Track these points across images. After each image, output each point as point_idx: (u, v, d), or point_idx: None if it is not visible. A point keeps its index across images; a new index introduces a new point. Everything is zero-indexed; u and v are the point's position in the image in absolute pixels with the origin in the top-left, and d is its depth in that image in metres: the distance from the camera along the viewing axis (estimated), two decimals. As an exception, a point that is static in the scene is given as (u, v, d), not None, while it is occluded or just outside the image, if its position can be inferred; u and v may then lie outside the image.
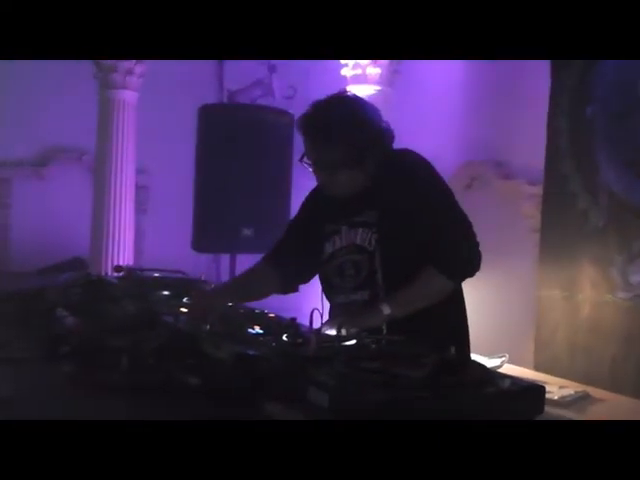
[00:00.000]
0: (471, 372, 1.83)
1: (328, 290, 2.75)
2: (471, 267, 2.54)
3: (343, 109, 2.55)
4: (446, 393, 1.67)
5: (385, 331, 2.42)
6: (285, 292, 2.88)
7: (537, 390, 1.78)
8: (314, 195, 2.84)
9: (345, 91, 2.74)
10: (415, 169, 2.58)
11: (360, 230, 2.60)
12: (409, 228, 2.50)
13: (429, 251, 2.49)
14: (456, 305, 2.70)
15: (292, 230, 2.90)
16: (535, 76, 5.89)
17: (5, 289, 3.46)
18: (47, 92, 6.91)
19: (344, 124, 2.50)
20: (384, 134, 2.60)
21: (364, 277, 2.60)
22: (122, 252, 6.43)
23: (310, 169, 2.61)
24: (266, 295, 2.85)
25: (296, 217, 2.91)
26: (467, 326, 2.72)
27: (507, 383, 1.77)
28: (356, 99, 2.65)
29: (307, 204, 2.87)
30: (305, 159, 2.60)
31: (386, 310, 2.44)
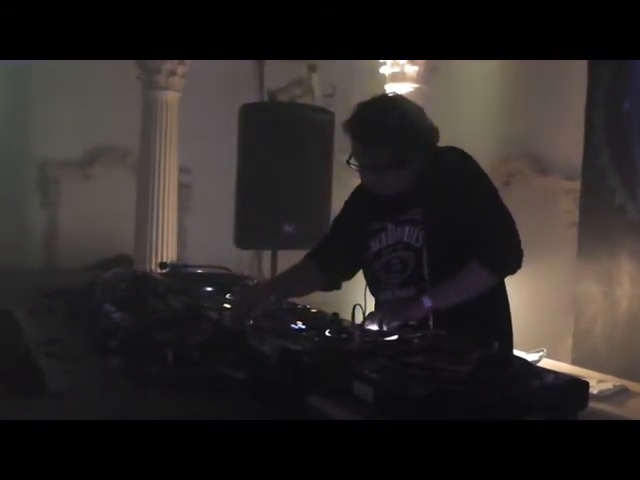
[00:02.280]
0: (515, 367, 1.84)
1: (374, 287, 2.77)
2: (513, 263, 2.57)
3: (389, 110, 2.56)
4: (491, 388, 1.68)
5: (432, 325, 2.43)
6: (328, 289, 2.92)
7: (581, 385, 1.80)
8: (358, 192, 2.86)
9: (389, 93, 2.77)
10: (460, 166, 2.61)
11: (407, 227, 2.63)
12: (455, 225, 2.52)
13: (473, 246, 2.51)
14: (500, 300, 2.72)
15: (336, 228, 2.93)
16: (572, 70, 5.85)
17: (54, 286, 3.52)
18: (92, 94, 7.01)
19: (391, 126, 2.51)
20: (429, 133, 2.61)
21: (410, 274, 2.62)
22: (166, 249, 6.52)
23: (357, 170, 2.63)
24: (310, 292, 2.88)
25: (340, 214, 2.94)
26: (511, 322, 2.73)
27: (551, 378, 1.79)
28: (400, 100, 2.66)
29: (351, 201, 2.89)
30: (352, 161, 2.61)
31: (427, 303, 2.47)
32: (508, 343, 2.67)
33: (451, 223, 2.52)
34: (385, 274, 2.70)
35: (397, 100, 2.65)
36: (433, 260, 2.56)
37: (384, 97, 2.67)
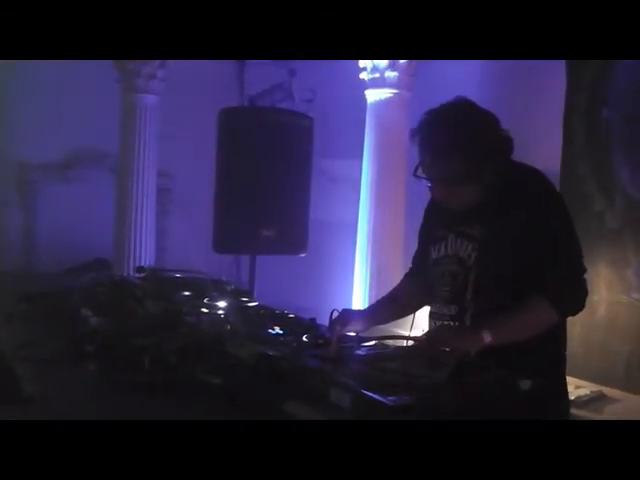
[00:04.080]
0: (491, 374, 1.85)
1: (428, 295, 2.65)
2: (580, 305, 2.40)
3: (460, 119, 2.39)
4: (467, 395, 1.70)
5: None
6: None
7: (562, 391, 1.81)
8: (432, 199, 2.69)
9: (460, 99, 2.48)
10: (534, 192, 2.41)
11: (465, 242, 2.47)
12: (514, 252, 2.34)
13: (531, 278, 2.33)
14: (559, 338, 2.50)
15: (420, 239, 2.80)
16: (551, 77, 5.88)
17: (31, 290, 3.50)
18: (71, 96, 6.99)
19: (462, 136, 2.35)
20: (503, 144, 2.43)
21: (456, 291, 2.48)
22: (144, 253, 6.51)
23: (424, 181, 2.47)
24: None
25: (421, 225, 2.80)
26: (565, 357, 2.52)
27: (527, 385, 1.79)
28: (472, 107, 2.45)
29: (427, 210, 2.76)
30: (419, 172, 2.46)
31: (487, 338, 2.24)
32: (560, 379, 2.47)
33: (510, 249, 2.35)
34: (438, 285, 2.55)
35: (468, 108, 2.44)
36: (479, 283, 2.41)
37: (455, 104, 2.45)
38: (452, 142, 2.34)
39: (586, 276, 2.38)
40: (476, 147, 2.35)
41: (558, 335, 2.46)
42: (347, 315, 2.51)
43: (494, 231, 2.38)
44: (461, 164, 2.34)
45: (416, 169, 2.45)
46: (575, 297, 2.37)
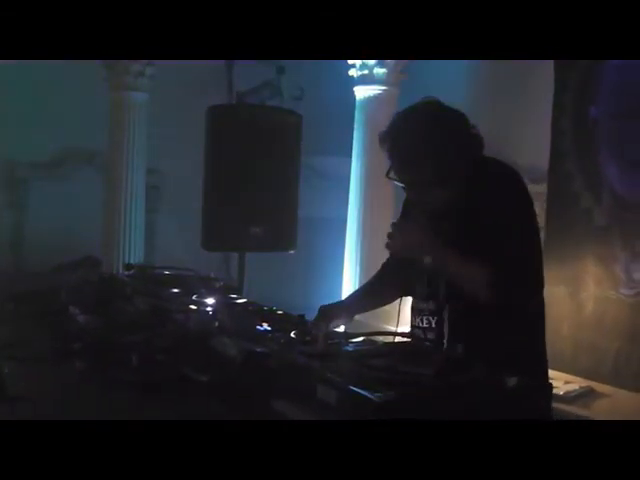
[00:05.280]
0: (479, 370, 1.85)
1: (408, 292, 2.66)
2: (524, 300, 2.50)
3: (426, 126, 2.36)
4: (455, 391, 1.69)
5: (446, 340, 2.36)
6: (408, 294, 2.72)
7: (545, 387, 1.81)
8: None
9: (427, 100, 2.47)
10: (496, 187, 2.39)
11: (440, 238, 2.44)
12: (482, 250, 2.31)
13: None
14: (538, 334, 2.59)
15: None
16: (539, 75, 5.90)
17: (19, 288, 3.49)
18: (61, 95, 6.96)
19: (428, 144, 2.33)
20: (472, 143, 2.42)
21: (432, 287, 2.48)
22: (133, 250, 6.50)
23: (397, 183, 2.48)
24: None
25: (399, 218, 2.81)
26: (545, 353, 2.60)
27: (514, 381, 1.79)
28: (439, 110, 2.43)
29: (405, 204, 2.79)
30: (392, 174, 2.47)
31: (427, 258, 2.36)
32: (542, 367, 2.57)
33: (477, 246, 2.32)
34: (416, 280, 2.56)
35: (435, 110, 2.43)
36: (449, 278, 2.41)
37: (420, 107, 2.45)
38: (418, 149, 2.34)
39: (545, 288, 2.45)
40: (443, 151, 2.33)
41: (537, 331, 2.49)
42: (327, 311, 2.57)
43: (464, 228, 2.38)
44: (429, 169, 2.34)
45: (388, 171, 2.46)
46: (519, 290, 2.41)
